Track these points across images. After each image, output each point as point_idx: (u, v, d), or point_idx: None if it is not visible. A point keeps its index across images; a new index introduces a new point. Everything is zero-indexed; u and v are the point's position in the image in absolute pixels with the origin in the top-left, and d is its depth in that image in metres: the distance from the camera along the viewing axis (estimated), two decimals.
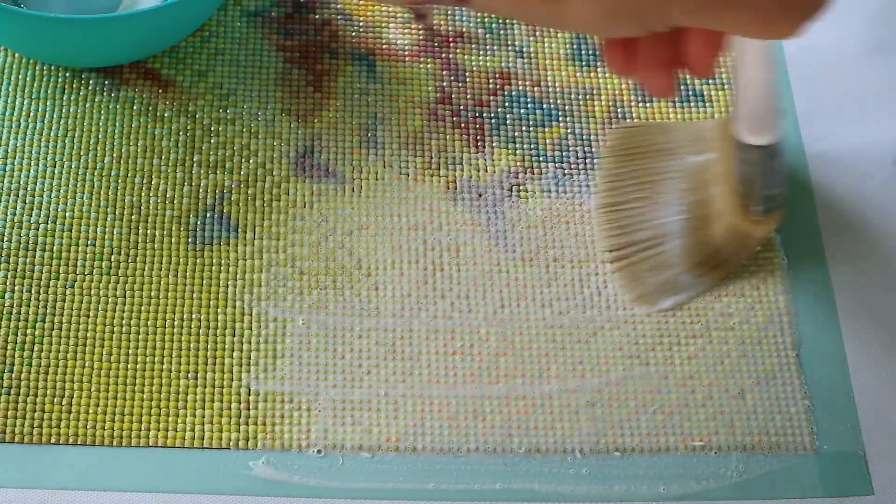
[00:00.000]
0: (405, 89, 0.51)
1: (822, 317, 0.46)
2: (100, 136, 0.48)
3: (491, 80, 0.51)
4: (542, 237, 0.47)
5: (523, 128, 0.50)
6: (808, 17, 0.30)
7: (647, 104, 0.51)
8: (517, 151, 0.49)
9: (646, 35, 0.32)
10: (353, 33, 0.52)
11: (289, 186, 0.47)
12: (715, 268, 0.46)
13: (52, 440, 0.41)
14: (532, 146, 0.49)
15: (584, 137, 0.50)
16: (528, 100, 0.51)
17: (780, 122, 0.41)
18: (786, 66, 0.53)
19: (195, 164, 0.47)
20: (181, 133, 0.48)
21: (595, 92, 0.51)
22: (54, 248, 0.45)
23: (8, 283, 0.44)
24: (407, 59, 0.51)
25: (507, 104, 0.50)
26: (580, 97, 0.51)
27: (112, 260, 0.45)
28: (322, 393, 0.43)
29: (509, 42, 0.52)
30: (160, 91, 0.49)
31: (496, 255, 0.47)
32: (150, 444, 0.41)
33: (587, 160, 0.49)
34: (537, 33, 0.53)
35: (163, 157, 0.48)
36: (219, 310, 0.44)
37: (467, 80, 0.51)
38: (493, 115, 0.50)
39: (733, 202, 0.44)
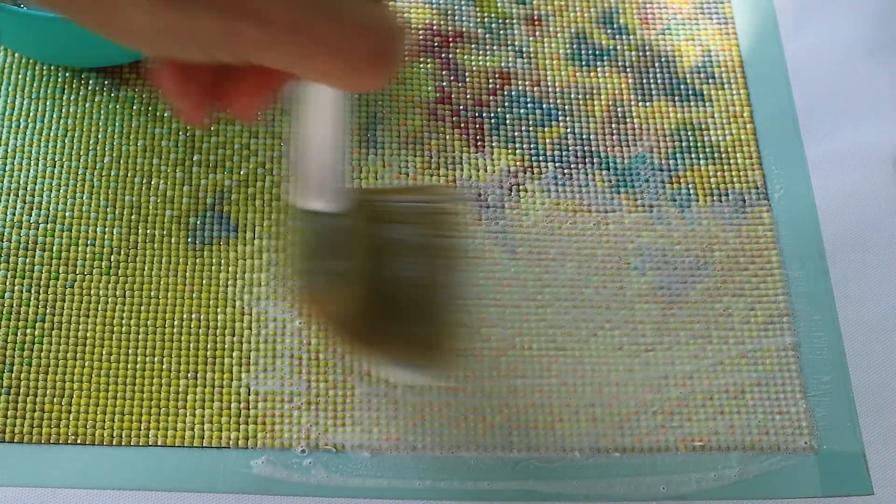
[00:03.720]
0: (405, 89, 0.51)
1: (822, 317, 0.46)
2: (100, 136, 0.48)
3: (491, 80, 0.51)
4: (542, 237, 0.47)
5: (523, 128, 0.50)
6: (394, 69, 0.27)
7: (647, 104, 0.51)
8: (517, 151, 0.49)
9: (209, 63, 0.27)
10: None
11: (289, 186, 0.47)
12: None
13: (52, 440, 0.41)
14: (532, 146, 0.49)
15: (584, 137, 0.50)
16: (528, 100, 0.51)
17: (344, 191, 0.35)
18: (786, 66, 0.53)
19: (195, 164, 0.47)
20: (181, 133, 0.48)
21: (595, 92, 0.51)
22: (54, 248, 0.45)
23: (8, 283, 0.44)
24: (407, 58, 0.51)
25: (506, 104, 0.50)
26: (580, 97, 0.51)
27: (112, 260, 0.45)
28: (322, 393, 0.43)
29: (509, 42, 0.52)
30: (160, 91, 0.49)
31: (496, 255, 0.46)
32: (150, 443, 0.41)
33: (587, 160, 0.49)
34: (537, 33, 0.53)
35: (163, 157, 0.48)
36: (219, 310, 0.44)
37: (467, 79, 0.51)
38: (492, 114, 0.50)
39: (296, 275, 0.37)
